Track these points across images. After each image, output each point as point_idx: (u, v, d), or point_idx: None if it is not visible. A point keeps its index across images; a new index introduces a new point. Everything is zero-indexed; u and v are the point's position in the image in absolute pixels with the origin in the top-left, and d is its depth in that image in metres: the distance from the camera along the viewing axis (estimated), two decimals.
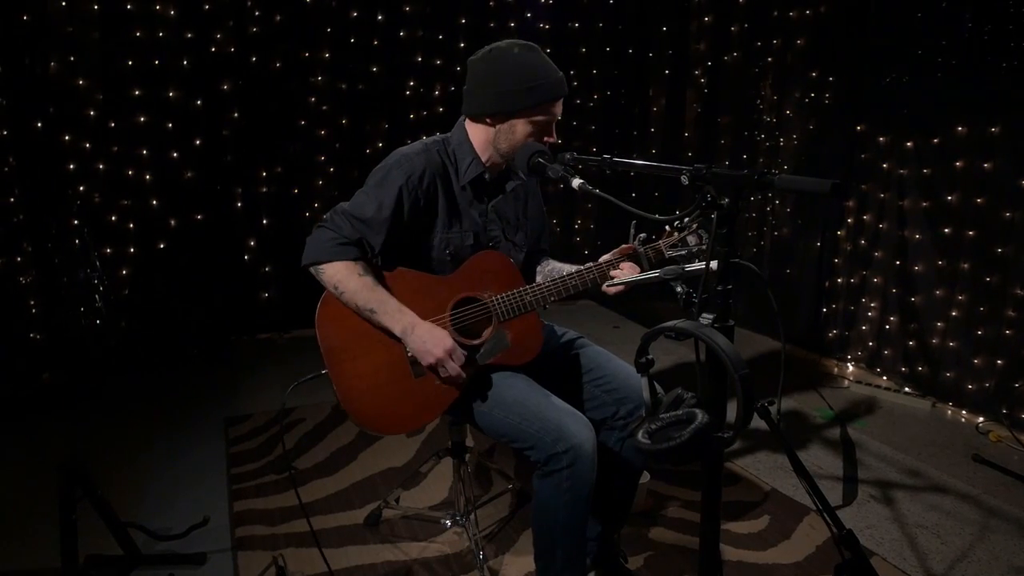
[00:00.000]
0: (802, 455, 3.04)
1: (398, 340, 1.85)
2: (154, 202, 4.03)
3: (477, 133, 1.91)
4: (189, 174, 4.08)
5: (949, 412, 3.48)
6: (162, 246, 4.08)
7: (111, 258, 3.96)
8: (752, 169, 1.10)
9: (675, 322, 1.18)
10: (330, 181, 4.42)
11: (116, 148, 3.89)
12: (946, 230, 3.47)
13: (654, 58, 5.12)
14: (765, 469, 2.89)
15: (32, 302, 3.63)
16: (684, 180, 1.21)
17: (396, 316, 1.81)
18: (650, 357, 1.26)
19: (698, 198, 1.18)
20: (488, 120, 1.87)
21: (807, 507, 2.59)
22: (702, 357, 1.20)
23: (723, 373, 1.17)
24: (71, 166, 3.76)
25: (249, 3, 4.04)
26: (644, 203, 5.28)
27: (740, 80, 4.58)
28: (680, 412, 1.19)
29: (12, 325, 3.59)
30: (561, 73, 1.85)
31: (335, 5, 4.23)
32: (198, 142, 4.07)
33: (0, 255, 3.54)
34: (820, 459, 3.01)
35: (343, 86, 4.35)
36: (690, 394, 1.25)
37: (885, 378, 3.83)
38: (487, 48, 1.87)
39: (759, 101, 4.47)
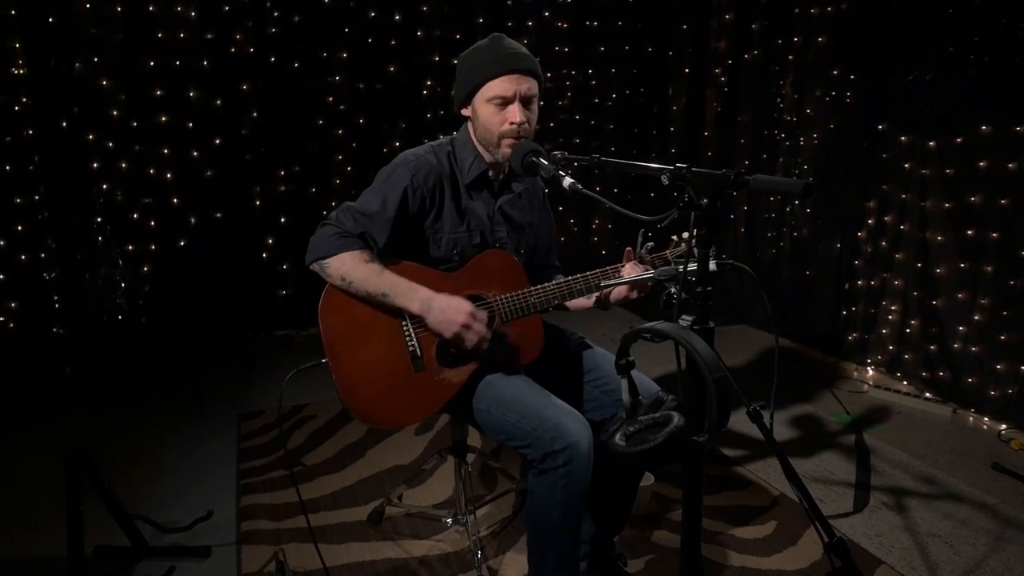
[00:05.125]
0: (815, 460, 2.99)
1: (400, 334, 1.86)
2: (175, 200, 4.10)
3: (471, 129, 1.94)
4: (209, 173, 4.15)
5: (971, 419, 3.40)
6: (182, 243, 4.16)
7: (132, 255, 4.04)
8: (729, 169, 1.09)
9: (654, 323, 1.17)
10: (347, 180, 4.46)
11: (138, 147, 3.97)
12: (969, 232, 3.39)
13: (674, 56, 5.07)
14: (775, 474, 2.85)
15: (55, 297, 3.72)
16: (664, 180, 1.19)
17: (410, 295, 1.81)
18: (631, 359, 1.24)
19: (678, 199, 1.17)
20: (464, 112, 1.92)
21: (821, 513, 2.53)
22: (682, 360, 1.19)
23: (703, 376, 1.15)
24: (94, 165, 3.85)
25: (268, 4, 4.09)
26: (663, 203, 5.24)
27: (760, 78, 4.51)
28: (658, 415, 1.17)
29: (36, 320, 3.68)
30: (518, 52, 1.83)
31: (353, 5, 4.26)
32: (218, 141, 4.14)
33: (25, 251, 3.64)
34: (833, 464, 2.95)
35: (360, 86, 4.39)
36: (670, 396, 1.23)
37: (905, 383, 3.74)
38: None
39: (779, 100, 4.41)
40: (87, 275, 3.80)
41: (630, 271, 1.87)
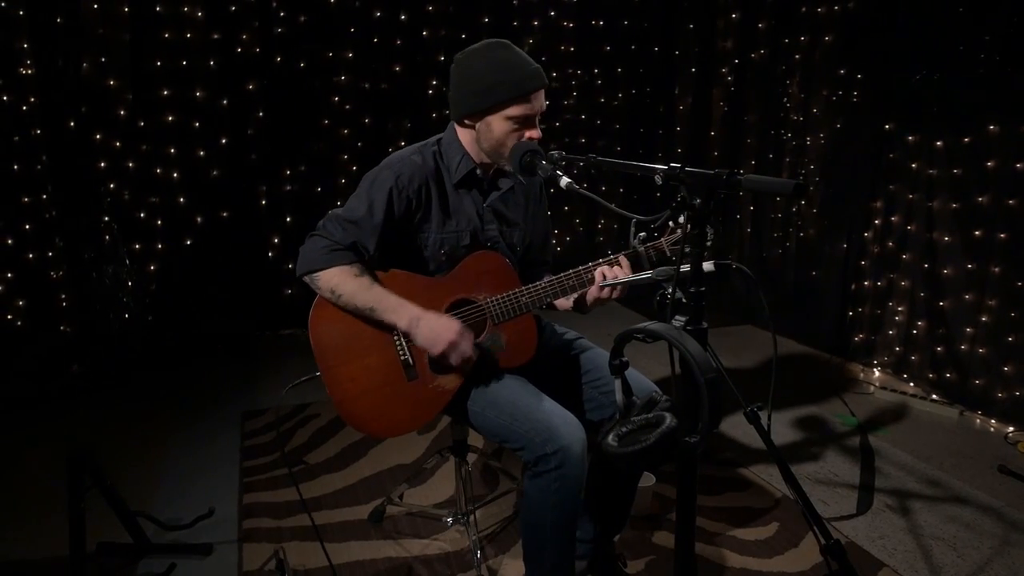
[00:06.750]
0: (819, 462, 2.97)
1: (391, 343, 1.86)
2: (181, 200, 4.13)
3: (464, 135, 1.92)
4: (215, 172, 4.17)
5: (978, 421, 3.37)
6: (188, 243, 4.18)
7: (139, 254, 4.07)
8: (721, 169, 1.08)
9: (647, 324, 1.17)
10: (353, 180, 4.47)
11: (145, 147, 4.00)
12: (976, 232, 3.36)
13: (680, 56, 5.06)
14: (777, 475, 2.83)
15: (63, 296, 3.75)
16: (658, 180, 1.19)
17: (399, 311, 1.81)
18: (624, 359, 1.24)
19: (673, 199, 1.16)
20: (467, 121, 1.87)
21: (818, 515, 2.52)
22: (676, 361, 1.18)
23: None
24: (102, 164, 3.88)
25: (274, 4, 4.11)
26: (668, 203, 5.22)
27: (767, 78, 4.50)
28: (651, 415, 1.17)
29: (43, 318, 3.71)
30: (535, 67, 1.81)
31: (358, 5, 4.27)
32: (224, 141, 4.16)
33: (33, 250, 3.67)
34: (837, 466, 2.93)
35: (366, 85, 4.40)
36: (664, 397, 1.23)
37: (912, 384, 3.72)
38: (462, 51, 1.87)
39: (786, 99, 4.39)
40: (94, 274, 3.83)
41: (623, 263, 1.86)
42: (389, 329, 1.86)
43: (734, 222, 4.88)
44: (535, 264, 2.16)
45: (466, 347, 1.80)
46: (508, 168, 1.86)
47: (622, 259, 1.85)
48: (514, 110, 1.79)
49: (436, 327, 1.79)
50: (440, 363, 1.85)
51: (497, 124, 1.81)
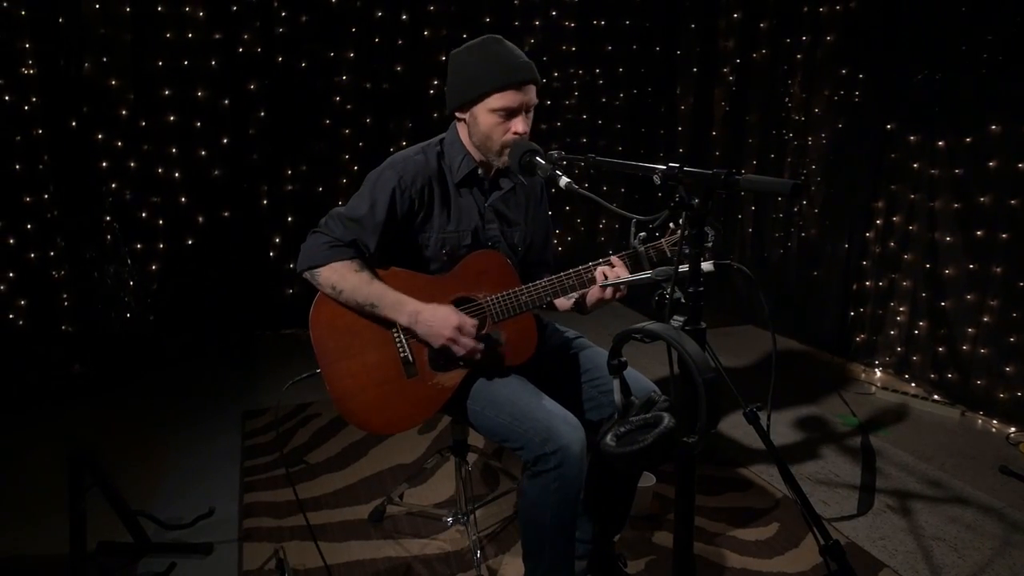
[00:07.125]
0: (820, 462, 2.97)
1: (391, 340, 1.86)
2: (183, 199, 4.14)
3: (461, 130, 1.93)
4: (217, 172, 4.18)
5: (979, 421, 3.36)
6: (190, 242, 4.19)
7: (141, 254, 4.07)
8: (719, 169, 1.08)
9: (645, 324, 1.16)
10: (354, 179, 4.48)
11: (147, 146, 4.00)
12: (978, 232, 3.35)
13: (682, 56, 5.05)
14: (778, 475, 2.81)
15: (64, 295, 3.76)
16: (656, 180, 1.19)
17: (398, 307, 1.81)
18: (623, 359, 1.24)
19: (672, 199, 1.16)
20: (458, 115, 1.89)
21: (819, 516, 2.52)
22: (675, 361, 1.18)
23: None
24: (103, 164, 3.89)
25: (275, 4, 4.11)
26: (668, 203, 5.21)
27: (769, 78, 4.48)
28: (649, 415, 1.17)
29: (45, 317, 3.72)
30: (523, 60, 1.80)
31: (360, 5, 4.28)
32: (225, 141, 4.16)
33: (34, 250, 3.67)
34: (838, 467, 2.93)
35: (368, 85, 4.40)
36: (663, 397, 1.23)
37: (913, 385, 3.71)
38: (457, 47, 1.88)
39: (787, 99, 4.38)
40: (96, 273, 3.83)
41: (617, 263, 1.86)
42: (389, 326, 1.86)
43: (735, 222, 4.87)
44: (536, 264, 2.16)
45: (467, 340, 1.79)
46: (500, 165, 1.86)
47: (615, 260, 1.84)
48: (496, 101, 1.78)
49: (435, 323, 1.79)
50: (445, 357, 1.85)
51: (483, 116, 1.82)
